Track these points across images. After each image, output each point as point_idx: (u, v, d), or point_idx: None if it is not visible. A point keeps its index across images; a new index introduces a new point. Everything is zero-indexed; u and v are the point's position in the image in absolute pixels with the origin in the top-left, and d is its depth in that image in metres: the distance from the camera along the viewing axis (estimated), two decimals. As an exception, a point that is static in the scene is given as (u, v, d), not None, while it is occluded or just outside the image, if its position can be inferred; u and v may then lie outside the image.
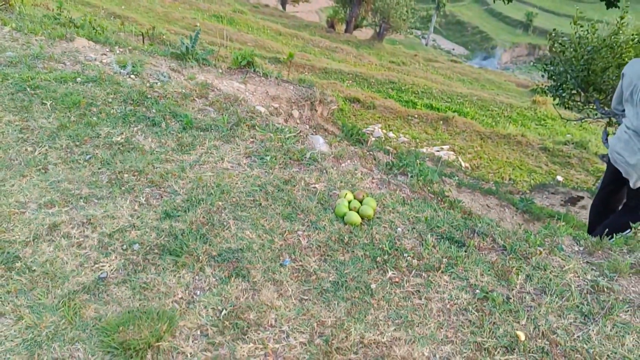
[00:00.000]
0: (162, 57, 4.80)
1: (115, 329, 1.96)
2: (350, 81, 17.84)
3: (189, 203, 2.76)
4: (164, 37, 13.58)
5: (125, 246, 2.43)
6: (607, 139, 8.79)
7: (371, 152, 3.71)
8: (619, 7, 7.08)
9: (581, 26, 8.88)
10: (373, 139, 10.65)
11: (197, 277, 2.30)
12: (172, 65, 4.57)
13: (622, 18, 8.44)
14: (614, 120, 8.82)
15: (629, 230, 3.59)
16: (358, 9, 32.74)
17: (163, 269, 2.32)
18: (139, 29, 11.33)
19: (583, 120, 10.40)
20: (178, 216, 2.65)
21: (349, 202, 2.85)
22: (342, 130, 4.62)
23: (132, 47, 5.03)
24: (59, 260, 2.31)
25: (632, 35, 8.98)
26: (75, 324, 2.01)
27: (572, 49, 8.99)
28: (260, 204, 2.82)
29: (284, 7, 41.59)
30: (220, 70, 4.79)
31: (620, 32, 8.63)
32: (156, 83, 4.08)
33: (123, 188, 2.83)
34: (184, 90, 4.02)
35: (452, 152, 12.12)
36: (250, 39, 21.99)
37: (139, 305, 2.12)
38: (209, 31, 20.66)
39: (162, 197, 2.80)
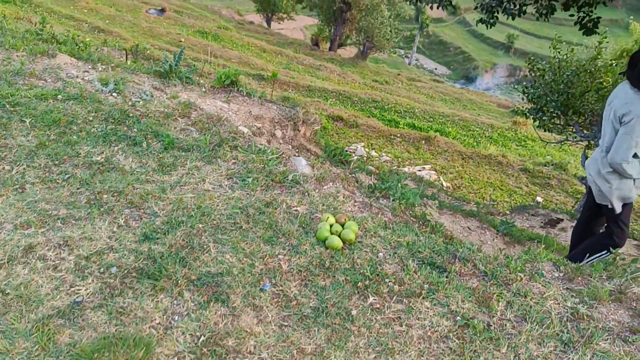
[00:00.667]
0: (145, 75, 4.77)
1: (90, 356, 1.92)
2: (334, 99, 17.93)
3: (168, 225, 2.72)
4: (148, 52, 13.56)
5: (102, 269, 2.39)
6: (585, 162, 8.90)
7: (353, 175, 3.71)
8: (598, 34, 7.20)
9: (559, 51, 9.04)
10: (355, 157, 10.67)
11: (175, 301, 2.26)
12: (155, 84, 4.55)
13: (600, 43, 8.60)
14: (592, 142, 8.93)
15: (605, 252, 3.62)
16: (342, 27, 33.01)
17: (141, 293, 2.28)
18: (122, 44, 11.31)
19: (563, 143, 10.53)
20: (157, 239, 2.62)
21: (331, 226, 2.84)
22: (325, 150, 4.62)
23: (115, 64, 5.00)
24: (33, 284, 2.26)
25: (610, 60, 9.14)
26: (48, 350, 1.96)
27: (551, 73, 9.12)
28: (241, 226, 2.79)
29: (268, 24, 41.74)
30: (204, 89, 4.78)
31: (599, 57, 8.78)
32: (138, 102, 4.06)
33: (102, 209, 2.79)
34: (166, 110, 3.99)
35: (433, 172, 12.19)
36: (234, 56, 22.03)
37: (115, 330, 2.08)
38: (193, 47, 20.68)
39: (141, 218, 2.77)
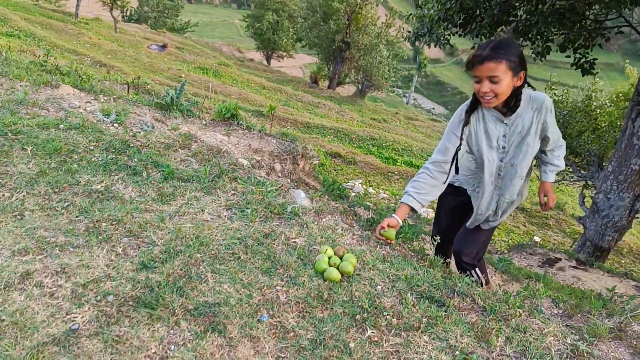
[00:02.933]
0: (146, 107, 4.82)
1: (84, 385, 1.89)
2: (332, 136, 18.05)
3: (166, 254, 2.71)
4: (149, 86, 13.70)
5: (99, 297, 2.37)
6: (583, 202, 8.95)
7: (352, 208, 3.72)
8: (594, 75, 7.32)
9: (555, 92, 9.17)
10: (353, 194, 10.68)
11: (171, 331, 2.24)
12: (156, 116, 4.59)
13: (593, 85, 8.74)
14: (590, 183, 8.99)
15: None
16: (341, 66, 33.47)
17: (137, 321, 2.26)
18: (124, 78, 11.43)
19: (560, 183, 10.58)
20: (155, 267, 2.60)
21: (329, 258, 2.83)
22: (323, 185, 4.63)
23: (117, 95, 5.06)
24: (29, 310, 2.24)
25: (605, 101, 9.28)
26: (42, 379, 1.93)
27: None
28: (239, 257, 2.79)
29: (268, 62, 42.35)
30: (204, 122, 4.82)
31: (594, 97, 8.91)
32: (139, 132, 4.09)
33: (100, 237, 2.78)
34: (166, 141, 4.02)
35: (431, 210, 12.19)
36: (234, 92, 22.25)
37: (110, 359, 2.05)
38: (193, 83, 20.90)
39: (139, 247, 2.76)
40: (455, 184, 3.31)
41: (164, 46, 29.15)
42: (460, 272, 3.30)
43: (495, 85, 2.66)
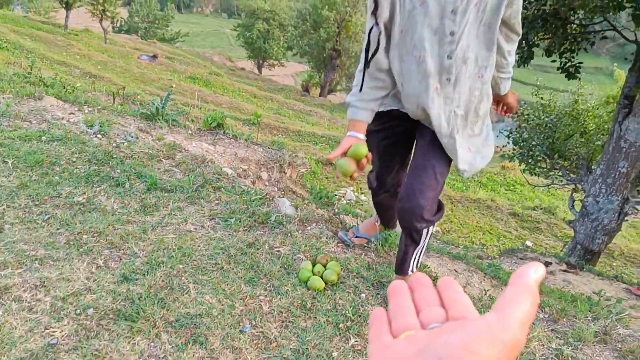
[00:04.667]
0: (131, 117, 4.79)
1: (60, 400, 1.86)
2: (324, 144, 18.05)
3: (148, 266, 2.69)
4: (139, 97, 13.67)
5: (78, 310, 2.34)
6: (573, 205, 8.97)
7: (337, 216, 3.70)
8: (579, 79, 7.37)
9: (542, 97, 9.23)
10: (344, 202, 10.67)
11: (152, 343, 2.21)
12: (141, 126, 4.57)
13: (579, 88, 8.81)
14: (579, 186, 9.01)
15: None
16: (332, 74, 33.56)
17: (117, 335, 2.23)
18: (114, 88, 11.40)
19: (550, 187, 10.62)
20: (136, 279, 2.57)
21: (313, 266, 2.82)
22: (311, 192, 4.61)
23: (102, 106, 5.03)
24: (7, 325, 2.20)
25: (592, 104, 9.34)
26: (18, 395, 1.90)
27: (535, 117, 9.29)
28: (222, 267, 2.76)
29: (259, 71, 42.40)
30: (190, 132, 4.80)
31: (579, 100, 8.97)
32: (123, 143, 4.06)
33: (81, 250, 2.75)
34: (150, 151, 4.00)
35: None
36: (225, 101, 22.25)
37: (89, 374, 2.02)
38: (184, 92, 20.88)
39: (121, 259, 2.73)
40: (383, 110, 2.47)
41: (154, 56, 29.13)
42: (409, 238, 2.55)
43: None
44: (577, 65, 7.18)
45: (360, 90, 2.19)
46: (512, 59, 2.29)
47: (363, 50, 2.18)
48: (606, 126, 8.73)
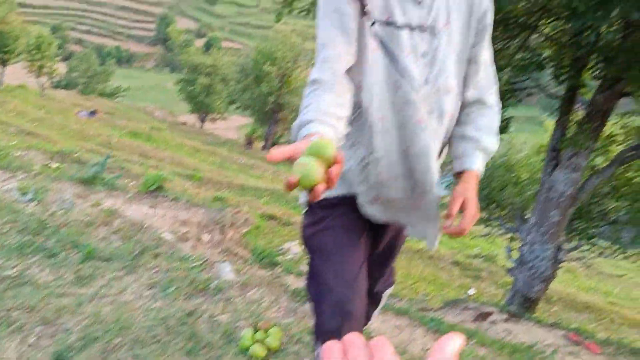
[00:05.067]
0: (67, 182, 4.70)
1: None
2: (268, 197, 18.03)
3: (83, 341, 2.60)
4: (77, 155, 13.38)
5: (7, 395, 2.24)
6: (510, 254, 9.23)
7: (279, 278, 3.71)
8: (509, 134, 7.73)
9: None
10: (288, 257, 10.63)
11: None
12: (78, 191, 4.48)
13: (511, 139, 9.23)
14: (516, 236, 9.31)
15: None
16: (275, 127, 33.90)
17: (48, 419, 2.14)
18: (50, 147, 11.14)
19: (488, 236, 10.92)
20: (70, 357, 2.49)
21: (255, 333, 2.80)
22: (253, 253, 4.61)
23: (37, 171, 4.92)
24: None
25: (523, 155, 9.79)
26: None
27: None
28: (161, 340, 2.71)
29: (202, 125, 42.35)
30: (129, 195, 4.74)
31: (510, 151, 9.39)
32: (58, 211, 3.97)
33: (11, 327, 2.64)
34: (87, 218, 3.92)
35: (367, 268, 12.24)
36: (167, 156, 22.03)
37: None
38: (124, 148, 20.58)
39: (54, 336, 2.64)
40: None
41: (93, 112, 28.71)
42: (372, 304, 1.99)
43: None
44: (507, 120, 7.54)
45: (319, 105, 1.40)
46: (491, 122, 1.70)
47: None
48: (538, 176, 9.15)
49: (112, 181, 4.83)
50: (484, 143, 1.64)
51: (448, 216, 1.57)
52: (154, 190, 4.98)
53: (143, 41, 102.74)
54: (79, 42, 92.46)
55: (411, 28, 1.52)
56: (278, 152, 1.11)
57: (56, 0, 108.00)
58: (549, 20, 6.98)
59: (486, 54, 1.66)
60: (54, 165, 6.60)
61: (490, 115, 1.70)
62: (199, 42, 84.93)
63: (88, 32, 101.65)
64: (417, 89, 1.54)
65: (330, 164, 1.10)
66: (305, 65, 33.12)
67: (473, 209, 1.57)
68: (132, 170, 9.04)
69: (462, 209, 1.57)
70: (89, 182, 4.73)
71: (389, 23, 1.52)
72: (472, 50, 1.63)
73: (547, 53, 7.16)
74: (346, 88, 1.48)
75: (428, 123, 1.57)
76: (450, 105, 1.61)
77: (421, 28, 1.53)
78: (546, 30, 7.24)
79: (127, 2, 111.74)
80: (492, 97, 1.71)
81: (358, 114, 1.59)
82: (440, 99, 1.57)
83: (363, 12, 1.50)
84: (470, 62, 1.65)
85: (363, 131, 1.60)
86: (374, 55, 1.53)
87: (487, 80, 1.69)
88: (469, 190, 1.59)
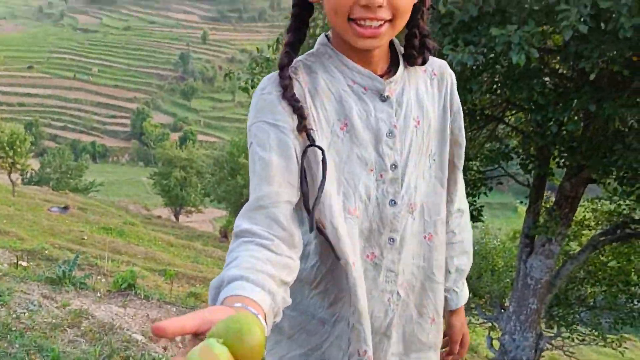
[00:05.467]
0: (35, 283, 4.57)
1: None
2: (243, 291, 17.68)
3: None
4: (47, 252, 13.09)
5: None
6: (492, 344, 9.09)
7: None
8: (482, 221, 7.83)
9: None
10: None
11: None
12: (45, 292, 4.35)
13: (485, 227, 9.33)
14: (496, 325, 9.20)
15: None
16: (250, 219, 33.81)
17: None
18: (19, 245, 10.89)
19: (468, 325, 10.79)
20: None
21: None
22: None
23: (4, 271, 4.79)
24: None
25: (498, 242, 9.87)
26: None
27: (448, 259, 9.66)
28: None
29: (177, 218, 42.07)
30: (99, 294, 4.61)
31: (485, 238, 9.47)
32: (24, 313, 3.83)
33: None
34: (54, 320, 3.78)
35: None
36: (140, 251, 21.65)
37: None
38: (96, 244, 20.20)
39: None
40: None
41: (65, 208, 28.40)
42: None
43: None
44: (479, 208, 7.66)
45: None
46: (466, 246, 1.48)
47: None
48: (514, 262, 9.20)
49: (81, 280, 4.71)
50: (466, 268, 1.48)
51: (449, 354, 1.46)
52: (125, 288, 4.86)
53: (118, 136, 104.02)
54: (54, 138, 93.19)
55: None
56: (173, 324, 0.68)
57: (33, 97, 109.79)
58: (513, 112, 7.29)
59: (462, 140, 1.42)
60: (24, 264, 6.43)
61: (460, 206, 1.47)
62: (175, 136, 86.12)
63: (64, 128, 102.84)
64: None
65: (244, 350, 0.64)
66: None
67: (468, 339, 1.48)
68: (104, 267, 8.83)
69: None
70: (57, 281, 4.60)
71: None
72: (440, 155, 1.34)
73: (513, 143, 7.43)
74: (293, 243, 1.06)
75: None
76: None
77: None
78: (512, 121, 7.54)
79: (103, 99, 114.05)
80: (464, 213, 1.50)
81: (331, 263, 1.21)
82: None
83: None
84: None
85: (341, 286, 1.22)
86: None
87: (458, 184, 1.45)
88: (464, 324, 1.49)
